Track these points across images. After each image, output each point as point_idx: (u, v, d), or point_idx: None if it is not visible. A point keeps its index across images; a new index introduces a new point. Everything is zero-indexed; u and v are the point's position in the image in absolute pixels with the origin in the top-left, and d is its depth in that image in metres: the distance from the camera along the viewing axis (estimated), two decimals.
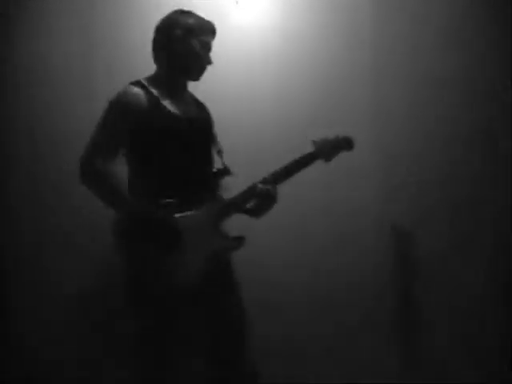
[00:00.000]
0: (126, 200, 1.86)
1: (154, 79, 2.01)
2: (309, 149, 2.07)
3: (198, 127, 2.02)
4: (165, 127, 1.92)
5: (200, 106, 2.13)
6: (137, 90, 1.93)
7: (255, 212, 2.03)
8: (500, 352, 2.56)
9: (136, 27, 2.60)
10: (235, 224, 2.04)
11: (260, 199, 1.99)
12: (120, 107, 1.90)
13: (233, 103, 2.61)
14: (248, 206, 2.02)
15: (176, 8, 2.09)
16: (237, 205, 1.99)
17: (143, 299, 1.89)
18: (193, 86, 2.17)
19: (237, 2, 2.56)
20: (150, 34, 2.22)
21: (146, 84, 1.97)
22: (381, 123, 2.66)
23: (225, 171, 2.10)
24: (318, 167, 2.10)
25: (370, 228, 2.64)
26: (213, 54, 2.10)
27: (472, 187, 2.64)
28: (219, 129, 2.22)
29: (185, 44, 1.98)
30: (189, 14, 2.04)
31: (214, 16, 2.14)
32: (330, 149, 2.08)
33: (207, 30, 2.03)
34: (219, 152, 2.11)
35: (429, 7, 2.69)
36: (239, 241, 1.98)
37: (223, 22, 2.53)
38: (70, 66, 2.60)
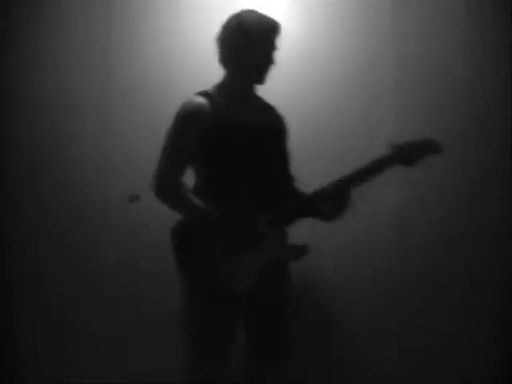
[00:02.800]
0: (201, 211, 1.88)
1: (220, 87, 1.99)
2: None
3: (263, 133, 1.97)
4: (229, 135, 1.90)
5: (270, 112, 2.08)
6: (200, 99, 1.91)
7: (325, 216, 1.99)
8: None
9: (152, 46, 2.63)
10: None
11: (330, 202, 1.94)
12: (184, 119, 1.90)
13: None
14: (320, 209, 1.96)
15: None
16: (303, 209, 1.95)
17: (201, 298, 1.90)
18: None
19: None
20: (166, 54, 2.26)
21: (211, 92, 1.96)
22: (402, 126, 2.64)
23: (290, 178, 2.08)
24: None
25: (388, 230, 2.63)
26: None
27: (487, 188, 2.62)
28: None
29: (250, 46, 1.93)
30: (252, 13, 1.98)
31: None
32: (409, 152, 1.93)
33: (273, 29, 1.96)
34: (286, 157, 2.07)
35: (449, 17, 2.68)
36: (302, 250, 1.92)
37: None
38: (87, 88, 2.64)
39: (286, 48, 2.61)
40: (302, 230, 2.04)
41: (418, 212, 2.61)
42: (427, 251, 2.60)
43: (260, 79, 1.98)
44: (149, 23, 2.66)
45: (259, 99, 2.07)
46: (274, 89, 2.56)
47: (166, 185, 1.89)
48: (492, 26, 2.64)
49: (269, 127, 2.00)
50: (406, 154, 1.93)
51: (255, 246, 1.87)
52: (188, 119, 1.89)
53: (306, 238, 2.28)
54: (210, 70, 2.03)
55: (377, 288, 2.60)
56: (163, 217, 1.98)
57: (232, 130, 1.90)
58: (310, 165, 2.48)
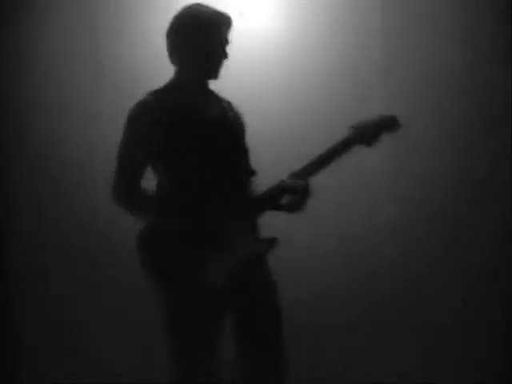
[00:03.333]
0: (168, 207, 1.86)
1: (172, 83, 1.95)
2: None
3: (220, 127, 1.93)
4: (186, 131, 1.86)
5: (224, 106, 2.02)
6: (152, 98, 1.87)
7: (288, 208, 1.95)
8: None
9: (144, 41, 2.62)
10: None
11: (291, 194, 1.91)
12: (137, 121, 1.85)
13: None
14: (282, 202, 1.92)
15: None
16: (264, 202, 1.92)
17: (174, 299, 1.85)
18: None
19: None
20: (158, 48, 2.22)
21: (163, 90, 1.92)
22: None
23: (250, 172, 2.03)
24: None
25: (381, 227, 2.64)
26: None
27: (481, 189, 2.63)
28: None
29: (199, 40, 1.88)
30: (202, 7, 1.93)
31: None
32: (369, 131, 1.94)
33: (222, 22, 1.92)
34: (245, 152, 2.02)
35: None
36: (271, 242, 1.88)
37: None
38: (77, 83, 2.64)
39: (272, 47, 2.62)
40: (300, 231, 2.05)
41: (417, 212, 2.62)
42: (427, 251, 2.61)
43: (212, 74, 1.94)
44: (141, 21, 2.64)
45: (213, 94, 2.02)
46: (260, 88, 2.59)
47: (124, 189, 1.83)
48: (490, 24, 2.64)
49: (224, 121, 1.96)
50: (364, 134, 1.93)
51: (225, 243, 1.83)
52: (138, 119, 1.84)
53: (305, 239, 2.30)
54: None
55: (376, 288, 2.60)
56: None
57: (185, 127, 1.86)
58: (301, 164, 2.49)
